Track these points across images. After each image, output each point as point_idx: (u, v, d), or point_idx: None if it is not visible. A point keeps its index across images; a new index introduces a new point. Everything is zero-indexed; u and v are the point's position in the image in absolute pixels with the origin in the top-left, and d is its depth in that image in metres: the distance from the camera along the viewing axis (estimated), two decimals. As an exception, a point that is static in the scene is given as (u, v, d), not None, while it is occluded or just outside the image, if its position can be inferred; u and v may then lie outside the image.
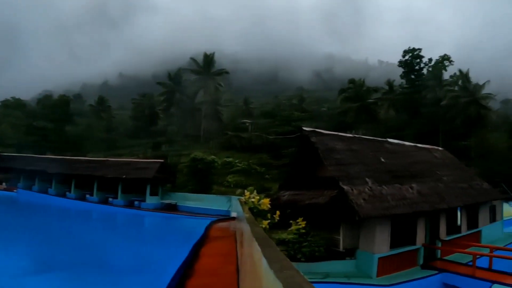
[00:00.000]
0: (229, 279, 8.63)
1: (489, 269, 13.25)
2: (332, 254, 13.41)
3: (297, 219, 13.64)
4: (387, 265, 13.03)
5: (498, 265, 13.53)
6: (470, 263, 13.49)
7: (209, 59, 66.03)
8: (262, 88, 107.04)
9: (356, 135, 18.59)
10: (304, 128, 16.30)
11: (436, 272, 13.55)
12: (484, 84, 53.83)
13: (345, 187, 12.76)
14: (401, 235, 13.84)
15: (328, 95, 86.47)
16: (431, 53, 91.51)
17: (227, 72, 69.05)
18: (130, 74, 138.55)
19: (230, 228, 17.78)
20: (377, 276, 12.62)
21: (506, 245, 18.09)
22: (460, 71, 56.59)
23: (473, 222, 19.02)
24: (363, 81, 62.80)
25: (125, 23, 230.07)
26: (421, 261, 14.51)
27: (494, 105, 60.56)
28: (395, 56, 69.62)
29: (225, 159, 43.75)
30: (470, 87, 53.38)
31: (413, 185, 15.64)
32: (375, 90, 62.81)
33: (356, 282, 11.90)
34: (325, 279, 11.74)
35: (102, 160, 36.50)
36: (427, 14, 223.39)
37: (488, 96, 53.80)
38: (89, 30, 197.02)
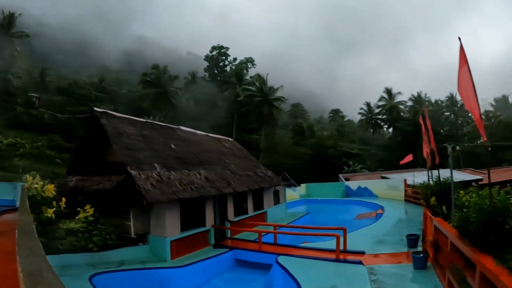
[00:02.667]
0: (14, 280, 7.84)
1: (274, 244, 15.83)
2: (124, 241, 13.51)
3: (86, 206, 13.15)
4: (180, 247, 14.12)
5: (282, 240, 16.34)
6: (257, 240, 15.72)
7: (9, 15, 54.53)
8: (67, 60, 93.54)
9: (149, 121, 18.97)
10: (95, 109, 15.78)
11: (227, 250, 15.35)
12: (278, 88, 63.31)
13: (132, 172, 13.01)
14: (191, 218, 15.12)
15: (132, 78, 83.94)
16: (238, 53, 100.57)
17: (27, 35, 58.96)
18: None
19: (15, 220, 15.65)
20: (172, 258, 13.52)
21: (288, 223, 21.80)
22: (258, 74, 64.93)
23: (259, 205, 22.40)
24: (166, 68, 64.16)
25: None
26: (212, 241, 16.24)
27: (285, 107, 71.73)
28: (205, 50, 73.78)
29: (11, 139, 38.12)
30: (266, 89, 61.94)
31: (201, 171, 17.31)
32: (176, 77, 65.22)
33: (152, 266, 12.37)
34: (121, 267, 11.84)
35: None
36: (243, 17, 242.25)
37: (280, 99, 63.48)
38: None
